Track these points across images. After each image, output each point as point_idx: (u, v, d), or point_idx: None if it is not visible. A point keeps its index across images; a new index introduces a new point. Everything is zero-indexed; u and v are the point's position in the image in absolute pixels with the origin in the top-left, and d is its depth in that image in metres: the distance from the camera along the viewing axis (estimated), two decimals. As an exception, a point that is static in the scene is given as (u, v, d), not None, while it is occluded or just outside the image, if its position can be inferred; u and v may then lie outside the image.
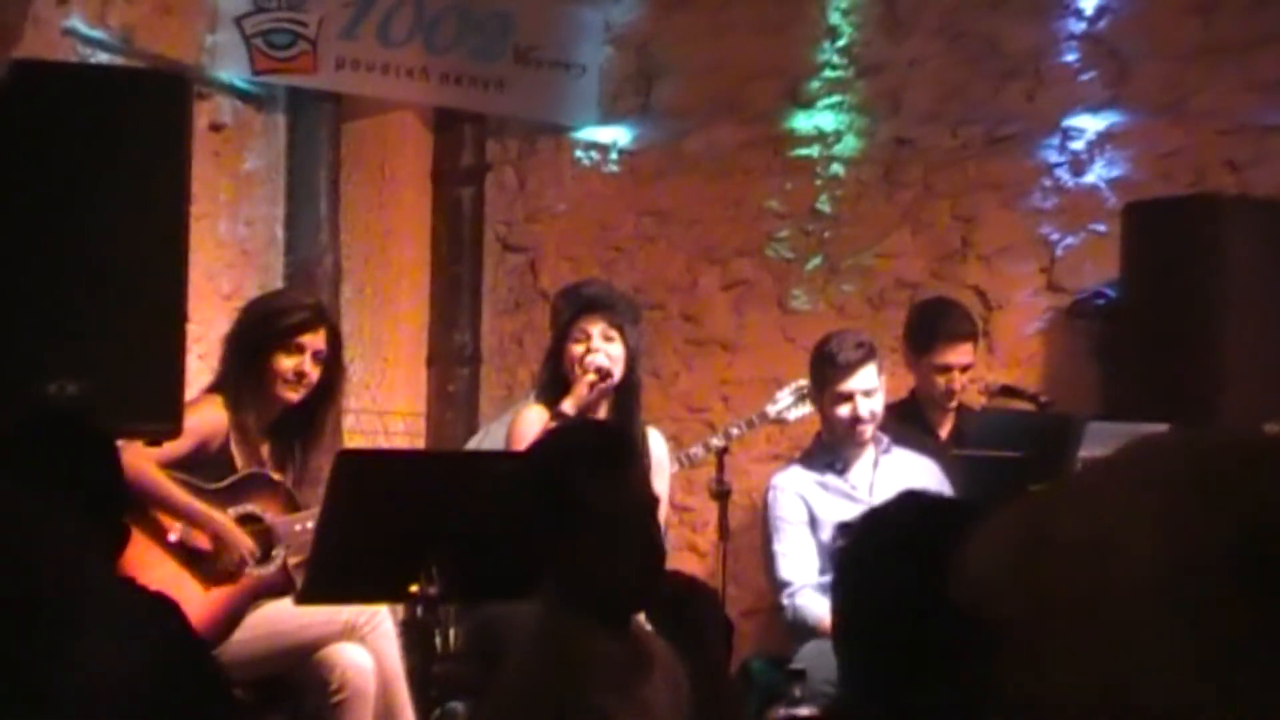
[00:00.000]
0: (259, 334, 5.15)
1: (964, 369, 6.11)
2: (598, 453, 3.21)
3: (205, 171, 5.87)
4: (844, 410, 5.62)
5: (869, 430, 5.65)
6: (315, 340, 5.18)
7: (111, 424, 4.40)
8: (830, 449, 5.75)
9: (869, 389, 5.61)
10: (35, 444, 3.15)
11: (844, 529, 2.53)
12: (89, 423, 3.44)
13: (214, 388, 5.19)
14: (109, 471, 3.23)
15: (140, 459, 4.75)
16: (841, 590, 2.37)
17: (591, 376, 5.36)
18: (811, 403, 5.80)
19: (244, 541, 5.01)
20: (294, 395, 5.15)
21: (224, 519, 5.00)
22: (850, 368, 5.59)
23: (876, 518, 2.40)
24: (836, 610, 2.37)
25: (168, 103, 4.58)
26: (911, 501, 2.40)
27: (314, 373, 5.16)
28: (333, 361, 5.25)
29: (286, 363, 5.13)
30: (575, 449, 3.23)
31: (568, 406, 5.35)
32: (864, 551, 2.36)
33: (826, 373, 5.65)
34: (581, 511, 3.09)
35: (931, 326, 6.12)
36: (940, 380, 6.09)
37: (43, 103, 4.41)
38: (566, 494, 3.11)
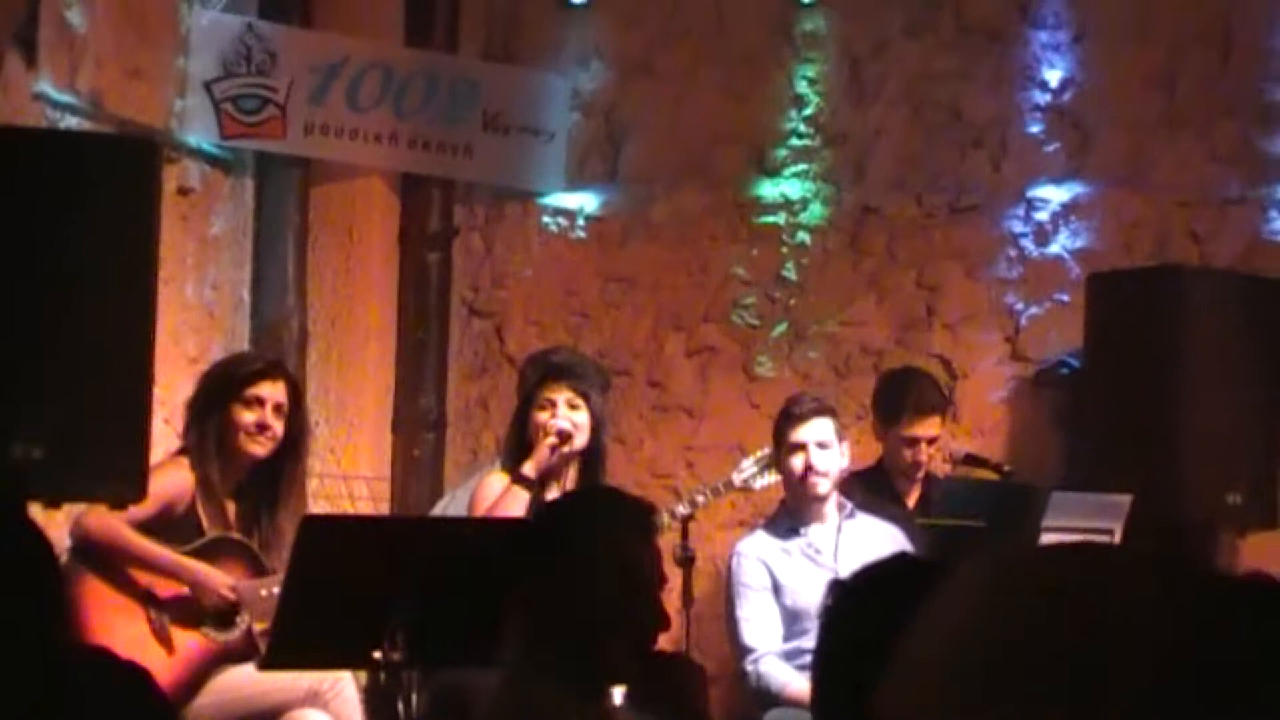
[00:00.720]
0: (217, 389, 5.18)
1: (930, 441, 6.15)
2: (628, 520, 3.20)
3: (173, 235, 5.89)
4: (797, 460, 5.66)
5: (822, 484, 5.68)
6: (275, 393, 5.21)
7: (76, 488, 4.43)
8: (793, 513, 5.78)
9: (822, 440, 5.65)
10: None
11: (833, 587, 2.54)
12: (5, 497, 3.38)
13: (181, 450, 5.21)
14: (32, 540, 3.17)
15: (109, 518, 4.78)
16: (824, 648, 2.38)
17: (553, 439, 5.40)
18: (775, 469, 5.84)
19: (221, 582, 5.02)
20: (259, 450, 5.16)
21: (198, 564, 5.01)
22: (804, 417, 5.66)
23: (866, 577, 2.42)
24: (818, 667, 2.38)
25: (137, 167, 4.61)
26: (901, 562, 2.43)
27: (277, 425, 5.18)
28: (295, 416, 5.27)
29: (247, 416, 5.15)
30: (607, 513, 3.21)
31: (528, 470, 5.39)
32: (850, 609, 2.37)
33: (782, 426, 5.72)
34: (603, 575, 3.08)
35: (900, 398, 6.15)
36: (907, 452, 6.13)
37: (12, 167, 4.44)
38: (592, 559, 3.09)
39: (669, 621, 3.21)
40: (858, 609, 2.33)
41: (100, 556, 4.92)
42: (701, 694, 3.15)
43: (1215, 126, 6.77)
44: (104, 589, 4.95)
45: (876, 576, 2.41)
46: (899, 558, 2.46)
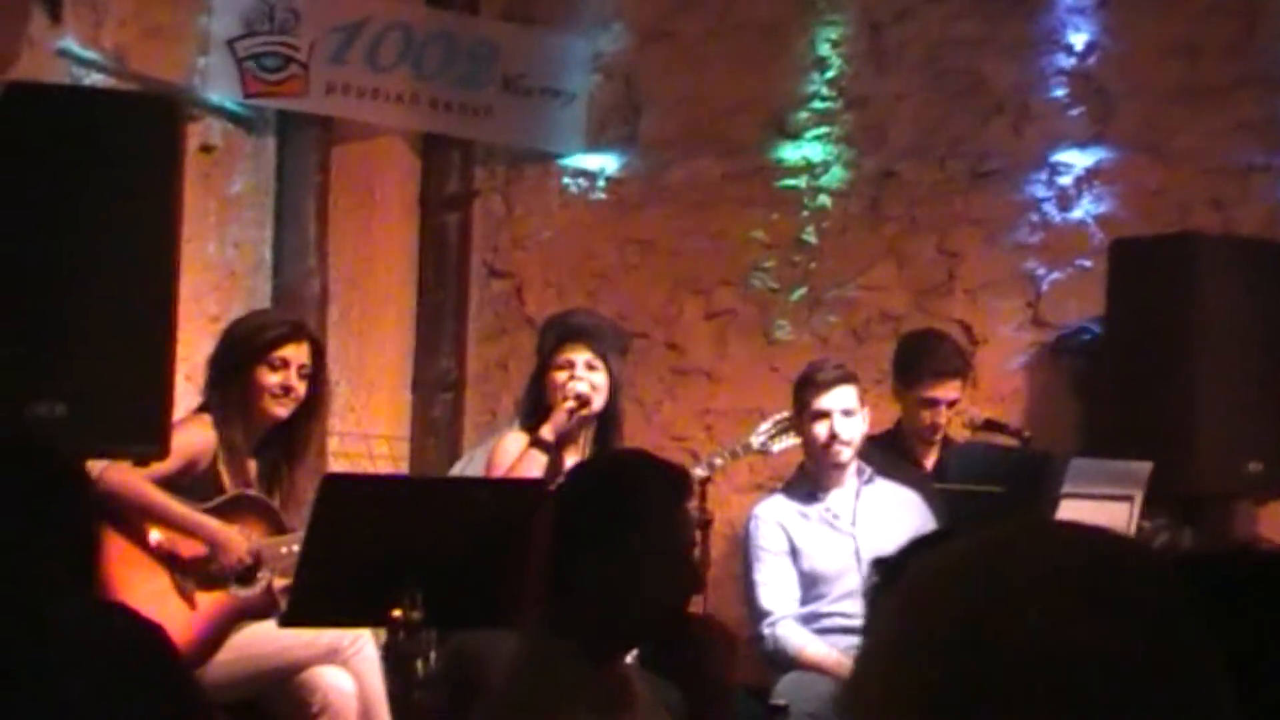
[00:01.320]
0: (241, 350, 5.20)
1: (950, 404, 6.14)
2: (666, 482, 3.21)
3: (194, 193, 5.88)
4: (821, 428, 5.66)
5: (845, 452, 5.69)
6: (299, 354, 5.23)
7: (100, 444, 4.46)
8: (812, 479, 5.79)
9: (846, 408, 5.65)
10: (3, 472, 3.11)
11: (878, 565, 2.56)
12: (56, 450, 3.41)
13: (202, 408, 5.23)
14: (77, 499, 3.20)
15: (131, 474, 4.81)
16: (873, 627, 2.41)
17: (571, 403, 5.41)
18: (794, 433, 5.84)
19: (241, 544, 5.05)
20: (281, 410, 5.19)
21: (220, 524, 5.04)
22: (827, 385, 5.65)
23: (915, 554, 2.44)
24: (868, 647, 2.40)
25: (160, 126, 4.63)
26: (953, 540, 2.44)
27: (300, 387, 5.21)
28: (317, 378, 5.30)
29: (271, 378, 5.18)
30: (646, 477, 3.21)
31: (546, 433, 5.40)
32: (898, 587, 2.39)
33: (805, 392, 5.71)
34: (640, 536, 3.08)
35: (920, 360, 6.15)
36: (926, 415, 6.13)
37: (35, 124, 4.46)
38: (629, 520, 3.09)
39: (703, 583, 3.22)
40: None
41: (121, 512, 4.95)
42: (724, 658, 3.16)
43: (1239, 94, 6.75)
44: (124, 545, 4.98)
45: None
46: (942, 535, 2.47)
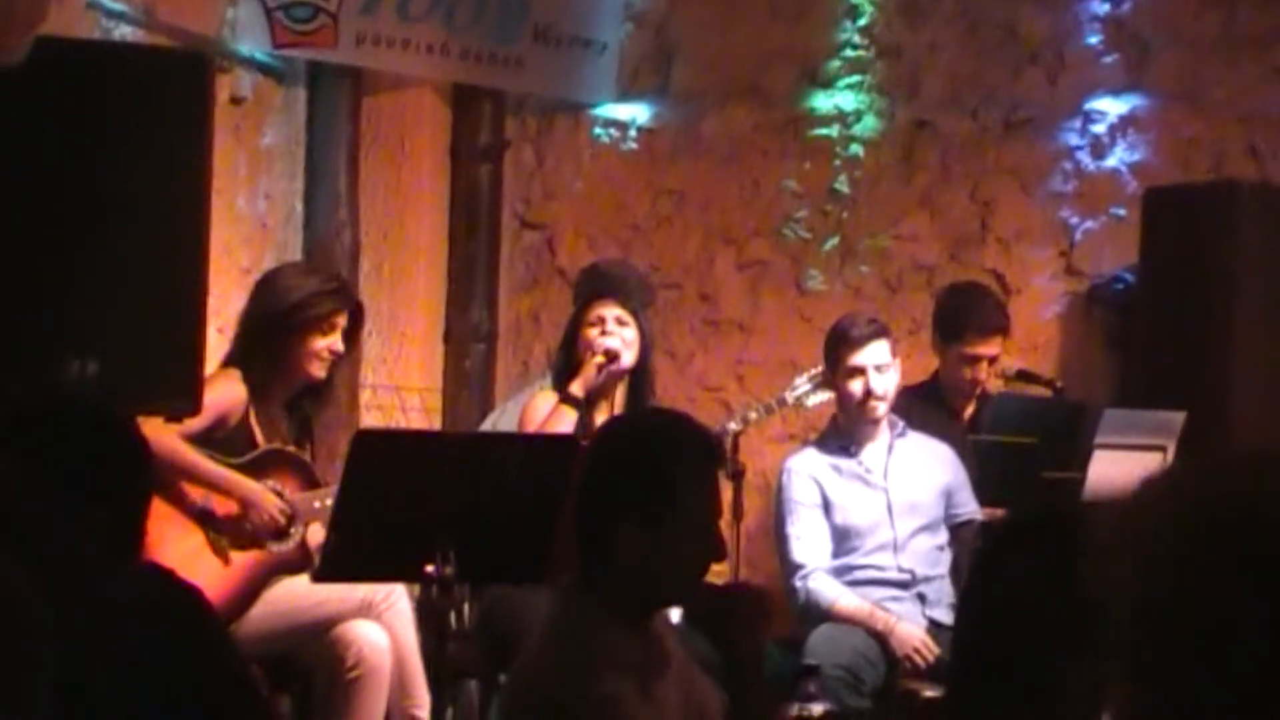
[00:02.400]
0: (290, 318, 5.16)
1: (991, 361, 6.12)
2: (698, 451, 3.19)
3: (225, 145, 5.89)
4: (856, 385, 5.64)
5: (880, 408, 5.67)
6: (344, 319, 5.25)
7: (131, 401, 4.46)
8: (845, 432, 5.77)
9: (881, 364, 5.64)
10: (48, 431, 3.11)
11: (985, 529, 2.60)
12: (106, 408, 3.41)
13: (230, 361, 5.22)
14: (125, 460, 3.19)
15: (164, 432, 4.81)
16: (975, 591, 2.44)
17: (600, 358, 5.41)
18: (828, 388, 5.82)
19: (273, 504, 5.06)
20: (323, 372, 5.21)
21: (252, 483, 5.05)
22: (862, 341, 5.63)
23: (1018, 521, 2.47)
24: (965, 610, 2.44)
25: (190, 79, 4.61)
26: (1056, 507, 2.46)
27: (341, 348, 5.22)
28: (352, 336, 5.31)
29: (320, 343, 5.18)
30: (678, 443, 3.18)
31: (576, 389, 5.40)
32: (1004, 553, 2.41)
33: (839, 349, 5.68)
34: (669, 505, 3.07)
35: (963, 317, 6.11)
36: (966, 370, 6.10)
37: (65, 80, 4.44)
38: (662, 489, 3.08)
39: (725, 552, 3.22)
40: (1012, 560, 2.35)
41: (154, 470, 4.95)
42: (759, 622, 3.15)
43: (1273, 45, 6.69)
44: (159, 503, 4.98)
45: (1032, 527, 2.45)
46: (1051, 507, 2.50)
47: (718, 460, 3.29)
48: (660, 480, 3.08)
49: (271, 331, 5.17)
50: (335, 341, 5.20)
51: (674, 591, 3.20)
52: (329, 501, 4.84)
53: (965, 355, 6.08)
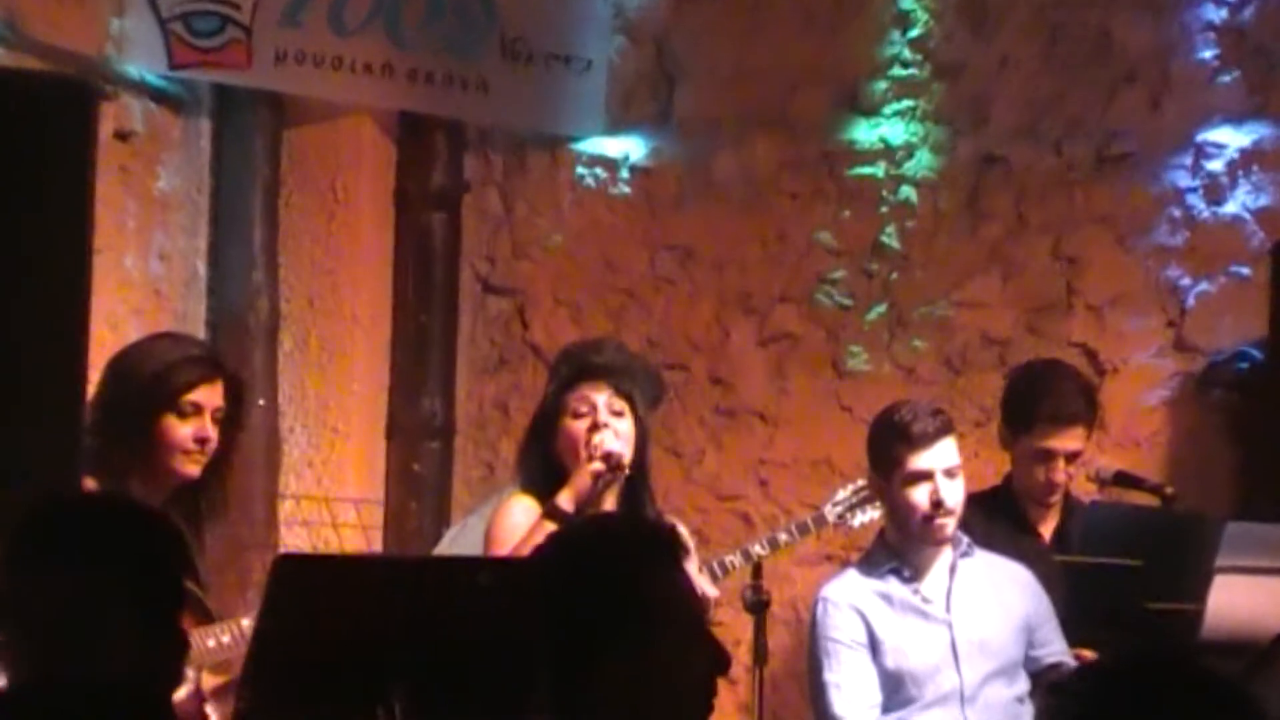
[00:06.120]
0: (142, 395, 5.17)
1: (1071, 457, 6.11)
2: (657, 548, 3.24)
3: (110, 192, 5.92)
4: (920, 495, 5.59)
5: (950, 525, 5.65)
6: (214, 396, 5.21)
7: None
8: (897, 551, 5.75)
9: (950, 467, 5.61)
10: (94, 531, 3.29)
11: (1054, 688, 2.59)
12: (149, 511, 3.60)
13: (89, 470, 5.18)
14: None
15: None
16: None
17: (598, 465, 5.37)
18: (881, 501, 5.80)
19: None
20: (194, 468, 5.17)
21: None
22: (927, 439, 5.59)
23: (1119, 667, 2.47)
24: None
25: (66, 112, 4.63)
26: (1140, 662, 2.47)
27: (215, 436, 5.19)
28: (232, 421, 5.28)
29: (183, 429, 5.15)
30: (630, 542, 3.24)
31: (564, 501, 5.35)
32: (1099, 711, 2.43)
33: (895, 449, 5.62)
34: (643, 618, 3.12)
35: (1034, 400, 6.09)
36: (1040, 470, 6.09)
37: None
38: (623, 597, 3.13)
39: (728, 659, 3.24)
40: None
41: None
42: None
43: None
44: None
45: (1137, 674, 2.46)
46: (1161, 648, 2.51)
47: (682, 556, 3.31)
48: (630, 595, 3.13)
49: (124, 420, 5.15)
50: (203, 426, 5.17)
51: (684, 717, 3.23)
52: (225, 638, 4.83)
53: (1038, 450, 6.07)
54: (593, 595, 3.17)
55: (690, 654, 3.15)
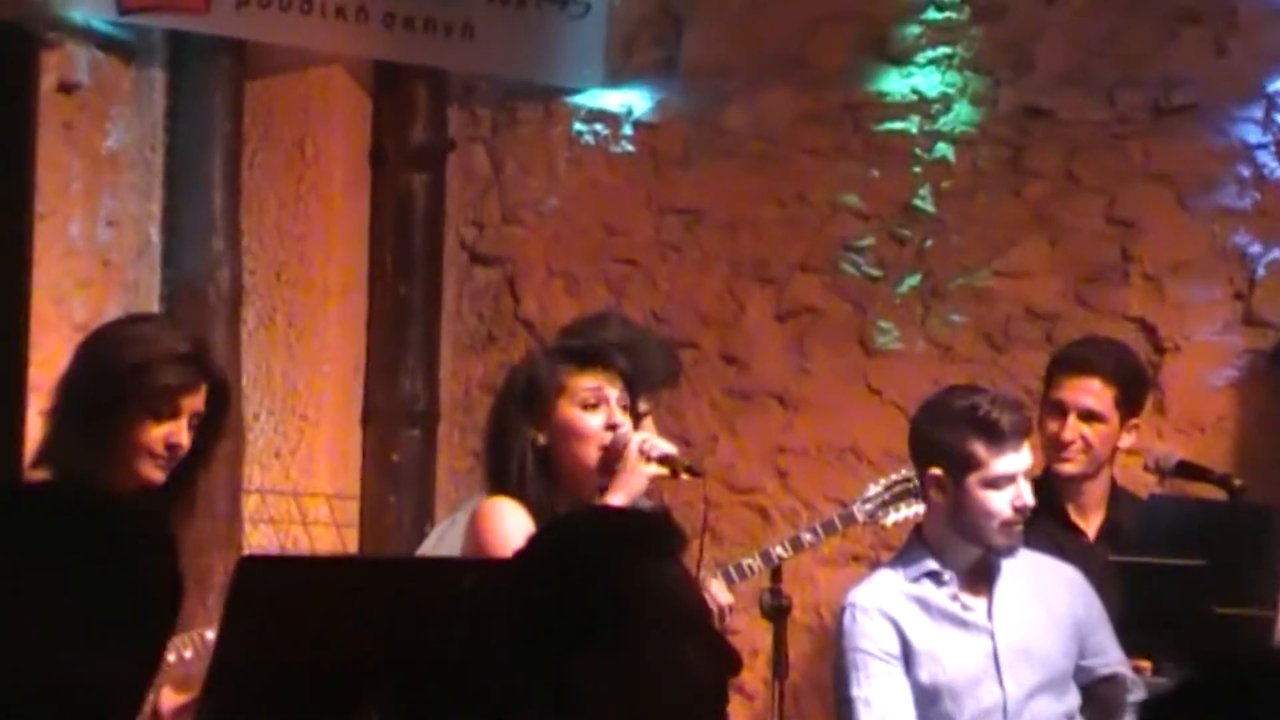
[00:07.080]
0: (116, 389, 5.15)
1: (1085, 416, 6.07)
2: (647, 541, 3.25)
3: (52, 151, 5.91)
4: (1002, 500, 5.51)
5: (1019, 530, 5.64)
6: (194, 400, 5.20)
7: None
8: (934, 550, 5.74)
9: (1030, 468, 5.59)
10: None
11: (1147, 706, 2.60)
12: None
13: (39, 459, 5.18)
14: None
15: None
16: None
17: (656, 468, 5.22)
18: (917, 498, 5.78)
19: None
20: (158, 474, 5.16)
21: None
22: (1016, 440, 5.52)
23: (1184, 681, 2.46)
24: None
25: (3, 64, 4.63)
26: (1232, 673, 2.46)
27: (186, 442, 5.17)
28: (211, 424, 5.26)
29: (155, 432, 5.12)
30: (615, 536, 3.26)
31: (618, 500, 5.22)
32: None
33: (975, 446, 5.52)
34: (615, 613, 3.13)
35: (1061, 355, 6.15)
36: (1051, 425, 6.08)
37: None
38: (590, 591, 3.14)
39: (737, 659, 3.24)
40: None
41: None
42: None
43: None
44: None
45: (1204, 689, 2.45)
46: (1231, 658, 2.50)
47: (677, 547, 3.31)
48: (619, 590, 3.14)
49: (90, 410, 5.14)
50: (176, 431, 5.14)
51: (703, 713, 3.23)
52: (188, 653, 4.84)
53: (1049, 403, 6.09)
54: (555, 589, 3.19)
55: (685, 652, 3.14)
